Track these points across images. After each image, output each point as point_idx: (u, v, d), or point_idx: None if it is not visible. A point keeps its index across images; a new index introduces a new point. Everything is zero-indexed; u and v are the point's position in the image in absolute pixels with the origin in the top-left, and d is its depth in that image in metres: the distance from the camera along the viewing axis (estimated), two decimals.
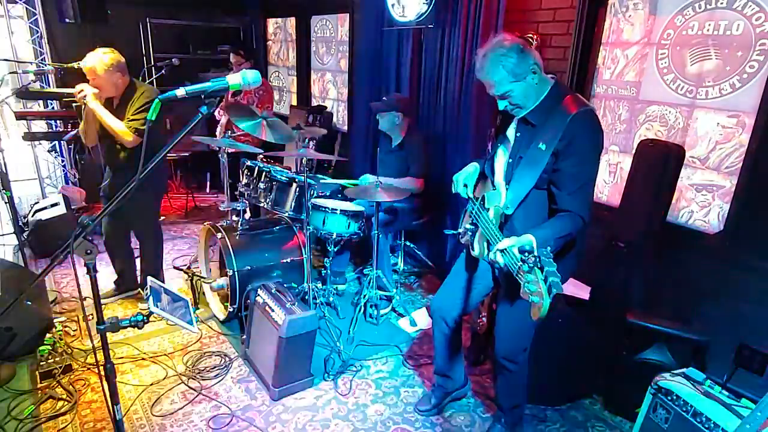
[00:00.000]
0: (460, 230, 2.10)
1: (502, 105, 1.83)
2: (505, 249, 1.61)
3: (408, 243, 3.98)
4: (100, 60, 2.76)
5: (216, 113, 4.47)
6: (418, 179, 3.40)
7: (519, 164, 1.83)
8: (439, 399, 2.47)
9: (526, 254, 1.48)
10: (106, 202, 3.20)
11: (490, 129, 2.07)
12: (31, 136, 4.62)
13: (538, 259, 1.44)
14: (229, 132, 3.27)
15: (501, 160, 1.96)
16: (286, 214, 3.18)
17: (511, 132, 1.92)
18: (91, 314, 1.47)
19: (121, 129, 2.79)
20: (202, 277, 3.40)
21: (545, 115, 1.78)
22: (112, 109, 2.87)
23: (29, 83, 4.68)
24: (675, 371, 1.99)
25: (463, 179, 2.05)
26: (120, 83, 2.87)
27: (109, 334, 1.49)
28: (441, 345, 2.35)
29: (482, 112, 3.27)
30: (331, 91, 5.64)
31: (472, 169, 2.08)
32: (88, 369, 2.65)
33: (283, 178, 3.11)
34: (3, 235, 3.99)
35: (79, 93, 2.77)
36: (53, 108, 5.09)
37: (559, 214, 1.77)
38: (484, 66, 1.77)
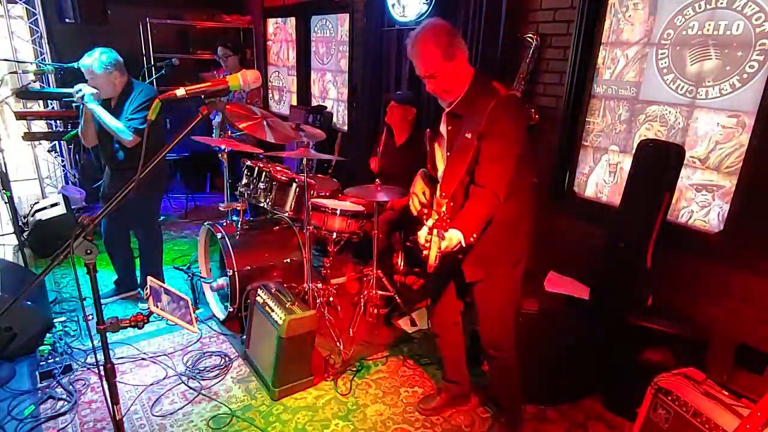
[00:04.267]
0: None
1: (430, 87, 1.88)
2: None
3: (408, 243, 3.97)
4: (98, 59, 2.76)
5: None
6: None
7: (451, 155, 1.89)
8: (443, 402, 2.48)
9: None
10: (105, 202, 3.21)
11: (425, 131, 2.12)
12: (31, 136, 4.62)
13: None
14: (223, 133, 3.27)
15: (440, 156, 2.01)
16: (286, 214, 3.18)
17: (443, 127, 1.98)
18: (91, 314, 1.47)
19: (120, 129, 2.79)
20: (202, 277, 3.40)
21: (470, 105, 1.83)
22: (111, 108, 2.87)
23: (29, 83, 4.69)
24: (675, 371, 1.99)
25: (420, 189, 2.07)
26: (118, 83, 2.87)
27: (109, 334, 1.49)
28: (447, 353, 2.39)
29: None
30: (331, 91, 5.64)
31: (419, 177, 2.10)
32: (88, 369, 2.65)
33: (283, 178, 3.11)
34: (3, 235, 3.99)
35: (77, 93, 2.77)
36: (53, 108, 5.09)
37: (472, 193, 1.79)
38: (416, 44, 1.82)
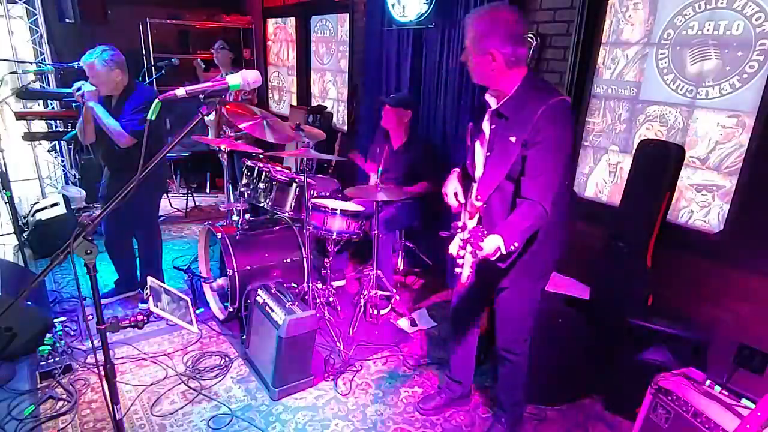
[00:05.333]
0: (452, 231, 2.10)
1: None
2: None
3: (408, 243, 3.98)
4: (99, 56, 2.76)
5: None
6: (434, 182, 3.44)
7: (491, 156, 1.83)
8: (443, 401, 2.48)
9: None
10: (105, 202, 3.21)
11: (469, 123, 2.05)
12: (31, 136, 4.62)
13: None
14: (224, 132, 3.28)
15: (479, 154, 1.95)
16: (286, 214, 3.18)
17: (486, 125, 1.90)
18: (91, 314, 1.47)
19: (117, 129, 2.78)
20: (202, 277, 3.40)
21: (517, 107, 1.76)
22: (110, 108, 2.86)
23: (29, 83, 4.69)
24: (675, 371, 2.00)
25: (452, 189, 2.03)
26: (119, 81, 2.86)
27: (109, 334, 1.49)
28: (459, 351, 2.39)
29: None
30: (331, 91, 5.64)
31: (455, 175, 2.07)
32: (88, 369, 2.65)
33: (283, 177, 3.12)
34: (3, 235, 4.00)
35: (77, 91, 2.76)
36: (53, 108, 5.09)
37: (519, 205, 1.75)
38: (470, 16, 1.76)
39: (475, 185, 1.93)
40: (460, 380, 2.45)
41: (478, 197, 1.80)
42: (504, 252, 1.59)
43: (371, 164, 3.62)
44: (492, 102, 1.86)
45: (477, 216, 1.91)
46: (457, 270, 1.53)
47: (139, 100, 2.84)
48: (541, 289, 2.07)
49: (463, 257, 1.50)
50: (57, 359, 2.60)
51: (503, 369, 2.19)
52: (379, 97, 3.70)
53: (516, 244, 1.61)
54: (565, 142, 1.76)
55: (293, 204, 3.12)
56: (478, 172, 1.93)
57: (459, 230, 1.56)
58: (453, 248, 1.59)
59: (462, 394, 2.50)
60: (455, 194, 1.99)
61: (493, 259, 1.64)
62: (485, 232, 1.52)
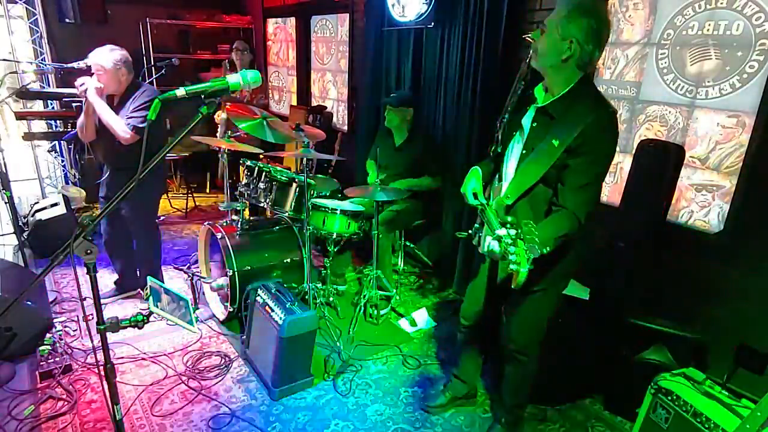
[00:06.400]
0: (471, 231, 2.02)
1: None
2: (500, 236, 1.49)
3: (408, 243, 3.98)
4: (108, 55, 2.78)
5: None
6: (436, 177, 3.46)
7: (529, 155, 1.75)
8: (448, 400, 2.48)
9: (508, 225, 1.47)
10: (105, 202, 3.20)
11: (501, 117, 1.94)
12: (31, 136, 4.62)
13: (519, 231, 1.44)
14: (230, 131, 3.28)
15: (516, 150, 1.85)
16: (286, 214, 3.18)
17: (526, 121, 1.82)
18: (91, 314, 1.47)
19: (119, 125, 2.78)
20: (202, 277, 3.40)
21: (566, 109, 1.69)
22: (113, 106, 2.87)
23: (29, 83, 4.69)
24: (675, 371, 2.00)
25: (471, 189, 1.92)
26: (124, 80, 2.88)
27: (109, 334, 1.49)
28: (465, 350, 2.39)
29: (482, 112, 3.27)
30: (331, 91, 5.64)
31: (473, 175, 1.97)
32: (88, 369, 2.65)
33: (283, 177, 3.11)
34: (3, 235, 4.00)
35: (80, 86, 2.76)
36: (53, 108, 5.09)
37: (556, 212, 1.71)
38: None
39: (504, 183, 1.86)
40: (466, 380, 2.45)
41: (508, 196, 1.74)
42: (536, 254, 1.50)
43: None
44: (540, 97, 1.78)
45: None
46: (513, 267, 1.42)
47: (143, 99, 2.85)
48: (560, 293, 2.05)
49: (516, 255, 1.41)
50: (57, 359, 2.60)
51: (512, 369, 2.17)
52: (382, 100, 3.71)
53: (547, 249, 1.55)
54: (611, 157, 1.71)
55: (293, 204, 3.12)
56: (511, 170, 1.85)
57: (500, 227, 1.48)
58: (494, 246, 1.50)
59: (467, 394, 2.50)
60: (474, 194, 1.90)
61: None
62: (535, 231, 1.44)
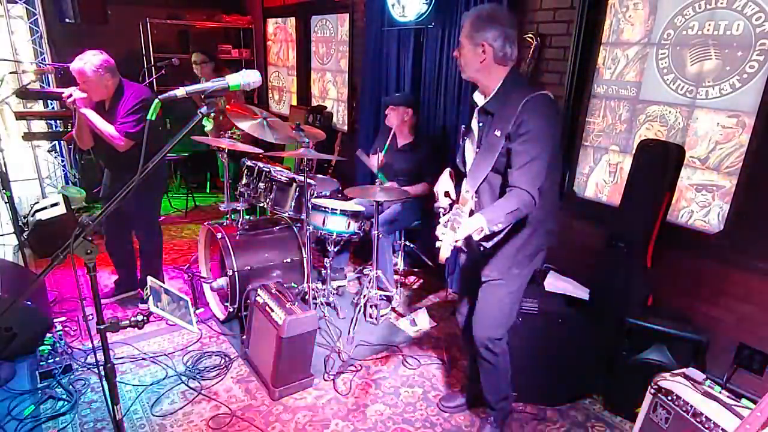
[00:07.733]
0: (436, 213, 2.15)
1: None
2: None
3: (408, 243, 3.98)
4: (88, 62, 2.69)
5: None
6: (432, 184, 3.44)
7: (480, 152, 1.91)
8: (463, 402, 2.50)
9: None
10: (105, 202, 3.20)
11: (462, 125, 2.15)
12: (31, 136, 4.62)
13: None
14: (229, 132, 3.28)
15: (469, 151, 2.04)
16: (286, 214, 3.18)
17: (474, 123, 1.99)
18: (91, 314, 1.47)
19: (112, 133, 2.76)
20: (202, 277, 3.40)
21: (501, 103, 1.85)
22: (104, 111, 2.83)
23: (29, 83, 4.68)
24: (675, 371, 1.99)
25: (444, 188, 2.03)
26: (110, 84, 2.81)
27: (109, 334, 1.49)
28: (473, 360, 2.37)
29: None
30: (331, 91, 5.64)
31: (446, 175, 2.08)
32: (88, 369, 2.65)
33: (283, 178, 3.12)
34: (3, 235, 4.00)
35: (68, 98, 2.70)
36: (53, 108, 5.09)
37: (507, 192, 1.81)
38: (470, 11, 1.89)
39: (465, 180, 1.99)
40: (476, 380, 2.45)
41: (467, 190, 1.87)
42: (487, 231, 1.70)
43: (374, 156, 3.64)
44: (479, 100, 1.95)
45: (469, 210, 1.94)
46: (437, 244, 1.61)
47: (131, 102, 2.80)
48: (525, 280, 2.07)
49: (443, 234, 1.60)
50: (57, 359, 2.60)
51: (483, 371, 2.19)
52: (383, 99, 3.72)
53: (500, 225, 1.72)
54: (549, 133, 1.81)
55: (293, 204, 3.12)
56: (468, 167, 2.01)
57: (442, 212, 1.73)
58: (439, 229, 1.66)
59: (479, 395, 2.49)
60: (446, 193, 2.03)
61: (477, 238, 1.74)
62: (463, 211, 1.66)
